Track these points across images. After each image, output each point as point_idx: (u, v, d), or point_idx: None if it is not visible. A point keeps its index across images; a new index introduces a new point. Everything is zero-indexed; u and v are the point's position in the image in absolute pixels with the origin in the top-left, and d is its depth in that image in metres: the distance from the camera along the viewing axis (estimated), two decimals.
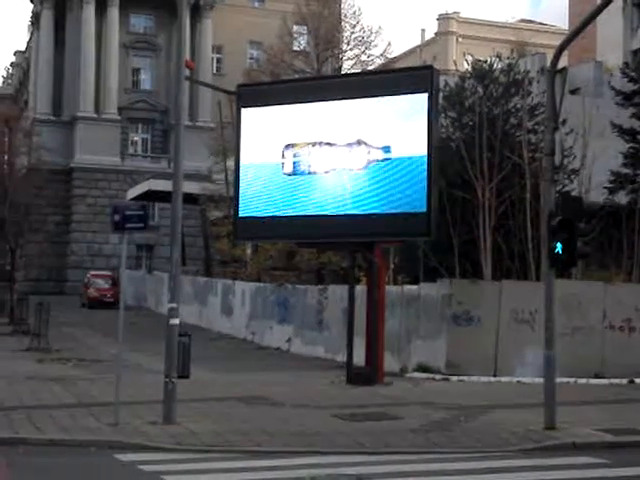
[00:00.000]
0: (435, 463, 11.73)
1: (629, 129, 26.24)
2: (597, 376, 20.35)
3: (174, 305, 14.67)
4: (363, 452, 12.34)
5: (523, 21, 78.54)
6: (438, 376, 20.80)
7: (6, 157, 45.03)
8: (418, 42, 77.87)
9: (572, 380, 19.18)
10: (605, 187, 25.59)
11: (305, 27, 43.90)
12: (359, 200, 19.63)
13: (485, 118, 23.56)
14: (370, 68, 38.11)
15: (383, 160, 19.35)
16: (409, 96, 19.31)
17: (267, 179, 20.76)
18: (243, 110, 21.36)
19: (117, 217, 14.65)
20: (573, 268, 18.98)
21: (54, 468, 11.62)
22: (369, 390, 18.76)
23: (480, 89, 24.89)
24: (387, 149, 19.35)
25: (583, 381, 19.74)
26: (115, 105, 60.11)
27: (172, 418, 14.21)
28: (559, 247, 13.96)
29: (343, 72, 37.41)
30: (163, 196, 35.38)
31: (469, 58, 28.15)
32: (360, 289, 21.51)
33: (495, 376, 20.66)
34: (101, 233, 54.14)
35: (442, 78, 23.22)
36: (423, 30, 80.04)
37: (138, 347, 24.89)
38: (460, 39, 73.71)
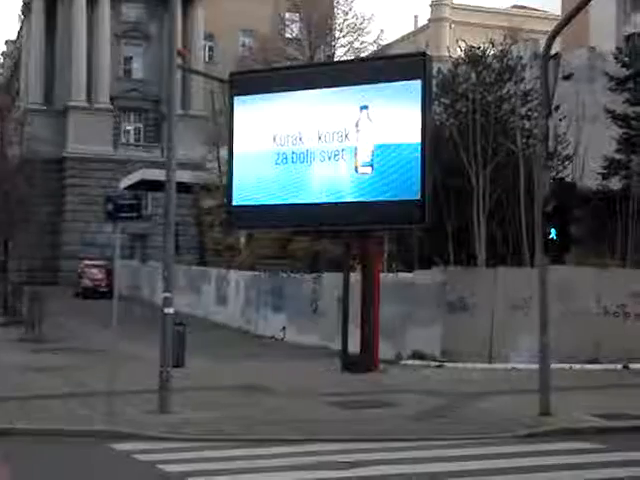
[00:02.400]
0: (430, 450, 11.74)
1: (622, 114, 26.21)
2: (592, 362, 20.37)
3: (169, 294, 14.65)
4: (359, 439, 12.35)
5: (516, 7, 78.35)
6: (433, 363, 20.83)
7: None
8: (411, 29, 77.83)
9: (567, 366, 19.20)
10: (599, 173, 25.59)
11: (297, 14, 43.75)
12: (353, 188, 19.60)
13: (478, 104, 23.54)
14: (363, 55, 38.03)
15: (377, 148, 19.30)
16: (402, 83, 19.25)
17: (261, 167, 20.70)
18: (235, 98, 21.30)
19: (110, 207, 14.63)
20: (567, 254, 18.99)
21: (49, 458, 11.61)
22: (364, 377, 18.78)
23: (473, 75, 24.86)
24: (381, 136, 19.31)
25: (578, 367, 19.76)
26: (107, 94, 59.91)
27: (167, 407, 14.21)
28: (553, 233, 13.95)
29: (336, 59, 37.32)
30: (156, 185, 35.28)
31: (462, 44, 28.08)
32: (355, 277, 21.49)
33: (490, 362, 20.69)
34: (94, 223, 53.93)
35: (435, 65, 23.14)
36: (416, 17, 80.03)
37: (133, 336, 24.81)
38: (453, 25, 73.54)
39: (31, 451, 11.94)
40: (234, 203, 21.16)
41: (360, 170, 19.55)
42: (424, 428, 12.99)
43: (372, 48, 40.15)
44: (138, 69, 62.37)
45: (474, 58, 25.52)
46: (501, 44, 26.51)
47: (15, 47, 75.74)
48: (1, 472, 10.64)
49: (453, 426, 13.11)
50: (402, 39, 71.96)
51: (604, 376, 18.86)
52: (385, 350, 21.21)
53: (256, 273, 32.21)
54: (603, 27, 41.46)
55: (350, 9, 39.78)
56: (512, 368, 20.01)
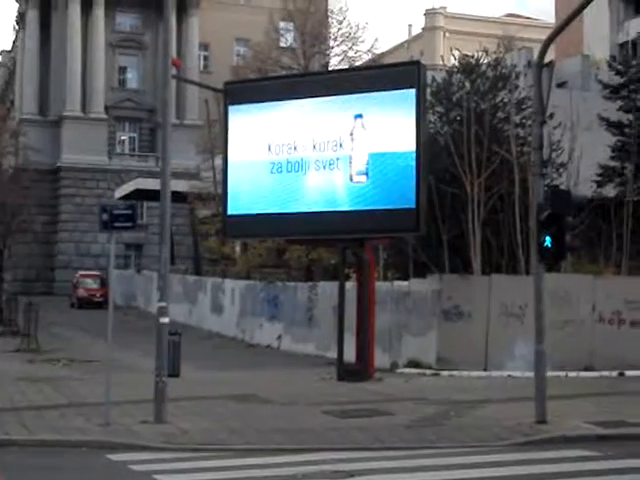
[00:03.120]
0: (427, 458, 11.73)
1: (617, 122, 26.31)
2: (587, 369, 20.39)
3: (164, 304, 14.63)
4: (355, 448, 12.34)
5: (510, 15, 78.68)
6: (429, 371, 20.82)
7: None
8: (405, 37, 78.10)
9: (562, 373, 19.21)
10: (593, 180, 25.65)
11: (292, 23, 43.81)
12: (348, 197, 19.63)
13: (473, 113, 23.56)
14: (357, 64, 38.08)
15: (372, 156, 19.33)
16: (397, 92, 19.29)
17: (256, 176, 20.72)
18: (230, 107, 21.32)
19: (105, 216, 14.60)
20: (562, 261, 19.02)
21: (45, 469, 11.57)
22: (360, 386, 18.76)
23: (467, 84, 24.88)
24: (376, 145, 19.35)
25: (573, 374, 19.78)
26: (102, 104, 59.93)
27: (163, 417, 14.18)
28: (548, 241, 13.97)
29: (330, 68, 37.35)
30: (151, 195, 35.19)
31: (456, 53, 28.12)
32: (350, 285, 21.50)
33: (486, 370, 20.69)
34: (89, 233, 53.97)
35: (429, 73, 23.20)
36: (410, 25, 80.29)
37: (128, 346, 24.82)
38: (447, 34, 73.81)
39: (27, 462, 11.89)
40: (229, 212, 21.16)
41: (355, 179, 19.58)
42: (420, 437, 12.98)
43: (366, 57, 40.17)
44: (132, 79, 62.41)
45: (468, 66, 25.57)
46: (495, 52, 26.59)
47: (10, 57, 75.73)
48: None
49: (449, 434, 13.10)
50: (396, 48, 72.17)
51: (599, 383, 18.86)
52: (381, 359, 21.21)
53: (251, 282, 32.20)
54: (597, 35, 41.62)
55: (344, 18, 39.81)
56: (508, 376, 20.01)
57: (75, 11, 59.36)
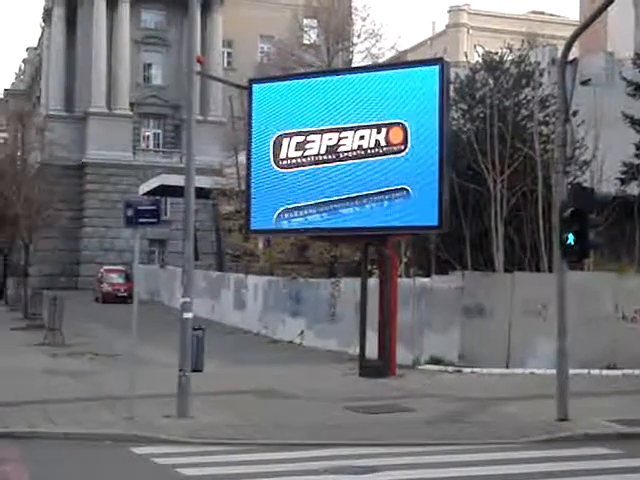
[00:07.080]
0: (448, 455, 11.77)
1: None
2: (609, 367, 20.31)
3: (187, 299, 14.75)
4: (376, 444, 12.39)
5: (534, 12, 78.27)
6: (451, 368, 20.82)
7: (19, 153, 45.21)
8: (429, 34, 77.86)
9: (585, 371, 19.15)
10: (617, 178, 25.52)
11: (316, 20, 43.90)
12: (373, 195, 19.69)
13: (496, 110, 23.51)
14: (381, 61, 38.10)
15: (394, 153, 19.37)
16: (419, 89, 19.32)
17: (279, 173, 20.79)
18: (255, 104, 21.41)
19: (130, 212, 14.72)
20: (585, 259, 18.94)
21: (69, 461, 11.72)
22: (382, 382, 18.82)
23: (491, 81, 24.83)
24: (399, 143, 19.38)
25: (596, 372, 19.71)
26: (127, 100, 60.29)
27: (186, 411, 14.30)
28: (571, 238, 13.95)
29: (354, 65, 37.38)
30: (175, 191, 35.49)
31: (480, 50, 28.05)
32: (372, 282, 21.54)
33: (508, 368, 20.66)
34: (114, 228, 54.33)
35: (453, 70, 23.17)
36: (434, 22, 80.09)
37: (152, 341, 24.95)
38: (471, 31, 73.55)
39: (51, 454, 12.04)
40: (253, 210, 21.26)
41: (377, 177, 19.62)
42: (441, 433, 13.02)
43: (390, 54, 40.28)
44: (157, 75, 62.74)
45: (492, 64, 25.50)
46: (519, 49, 26.48)
47: (36, 54, 76.33)
48: (17, 473, 10.75)
49: (470, 431, 13.13)
50: (420, 45, 72.04)
51: (622, 382, 18.80)
52: (402, 355, 21.23)
53: (274, 278, 32.29)
54: (621, 32, 41.34)
55: (368, 15, 40.15)
56: (530, 373, 19.98)
57: (101, 8, 59.74)
